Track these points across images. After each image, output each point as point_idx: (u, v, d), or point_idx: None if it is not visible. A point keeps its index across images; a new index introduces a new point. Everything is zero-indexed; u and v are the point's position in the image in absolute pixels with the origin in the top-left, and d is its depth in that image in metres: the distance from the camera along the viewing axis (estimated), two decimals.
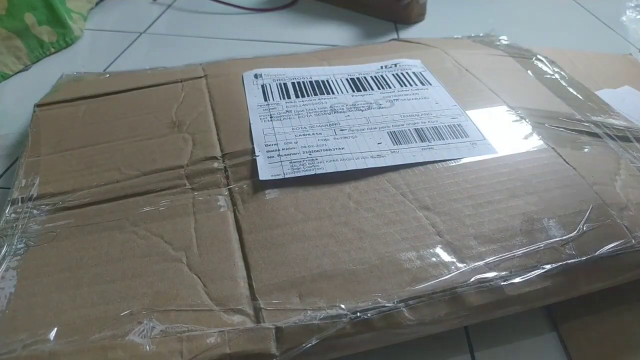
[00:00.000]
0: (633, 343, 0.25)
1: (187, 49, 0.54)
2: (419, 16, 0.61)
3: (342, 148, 0.33)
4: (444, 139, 0.34)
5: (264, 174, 0.31)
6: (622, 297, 0.27)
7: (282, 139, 0.33)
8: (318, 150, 0.32)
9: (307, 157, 0.32)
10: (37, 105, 0.38)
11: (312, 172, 0.31)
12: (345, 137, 0.34)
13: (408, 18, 0.60)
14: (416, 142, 0.33)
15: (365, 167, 0.31)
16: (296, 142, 0.33)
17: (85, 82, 0.42)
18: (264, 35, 0.58)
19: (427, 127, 0.35)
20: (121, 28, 0.59)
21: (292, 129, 0.34)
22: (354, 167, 0.31)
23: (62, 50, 0.54)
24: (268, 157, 0.32)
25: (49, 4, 0.52)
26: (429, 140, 0.34)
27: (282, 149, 0.32)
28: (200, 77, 0.41)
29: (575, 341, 0.26)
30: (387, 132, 0.34)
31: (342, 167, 0.31)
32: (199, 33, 0.58)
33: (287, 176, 0.30)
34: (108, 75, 0.43)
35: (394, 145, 0.33)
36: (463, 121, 0.36)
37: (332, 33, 0.58)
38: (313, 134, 0.34)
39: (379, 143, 0.33)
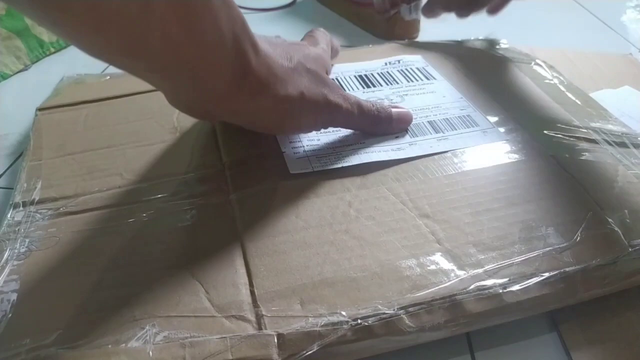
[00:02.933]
0: (633, 343, 0.26)
1: None
2: (408, 35, 0.56)
3: (363, 142, 0.34)
4: (456, 129, 0.36)
5: (293, 168, 0.32)
6: (623, 297, 0.27)
7: (305, 136, 0.35)
8: (341, 146, 0.34)
9: (332, 152, 0.33)
10: (39, 109, 0.38)
11: (339, 165, 0.32)
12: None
13: (390, 34, 0.56)
14: (431, 133, 0.35)
15: (388, 159, 0.33)
16: (319, 139, 0.34)
17: (86, 86, 0.42)
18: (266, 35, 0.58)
19: (439, 119, 0.37)
20: None
21: None
22: (377, 159, 0.32)
23: (62, 50, 0.54)
24: (294, 152, 0.33)
25: None
26: (442, 132, 0.35)
27: (307, 145, 0.33)
28: None
29: (575, 341, 0.26)
30: (404, 130, 0.35)
31: (366, 159, 0.33)
32: None
33: (315, 169, 0.32)
34: (109, 77, 0.43)
35: (410, 137, 0.35)
36: (471, 112, 0.37)
37: (332, 33, 0.58)
38: (333, 131, 0.35)
39: (396, 137, 0.35)
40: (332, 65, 0.41)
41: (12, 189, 0.32)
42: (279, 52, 0.29)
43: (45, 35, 0.52)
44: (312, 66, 0.31)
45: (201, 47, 0.24)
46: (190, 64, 0.25)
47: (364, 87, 0.40)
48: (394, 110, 0.35)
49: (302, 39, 0.38)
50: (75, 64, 0.52)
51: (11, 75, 0.49)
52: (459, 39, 0.51)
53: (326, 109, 0.31)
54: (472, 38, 0.52)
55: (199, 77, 0.26)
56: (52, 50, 0.53)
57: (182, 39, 0.23)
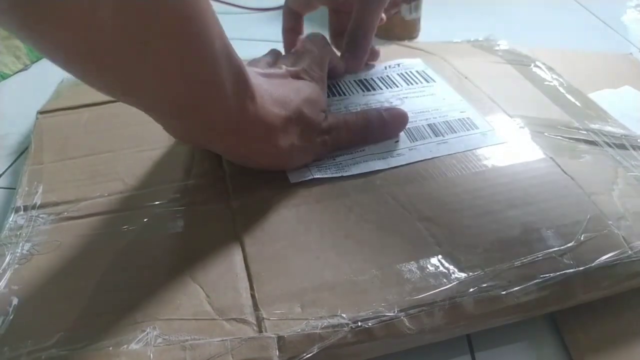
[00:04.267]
0: (633, 343, 0.26)
1: None
2: (408, 35, 0.55)
3: (363, 150, 0.34)
4: (456, 132, 0.35)
5: (293, 177, 0.31)
6: (623, 297, 0.27)
7: None
8: (341, 154, 0.33)
9: (332, 162, 0.33)
10: (40, 112, 0.38)
11: (339, 175, 0.32)
12: None
13: (390, 34, 0.55)
14: (431, 137, 0.35)
15: (387, 166, 0.32)
16: None
17: (87, 88, 0.41)
18: (264, 35, 0.58)
19: (439, 122, 0.36)
20: None
21: None
22: (378, 168, 0.32)
23: None
24: None
25: None
26: (442, 135, 0.35)
27: None
28: None
29: (575, 341, 0.26)
30: (403, 130, 0.35)
31: (365, 168, 0.32)
32: None
33: (315, 176, 0.31)
34: None
35: (410, 142, 0.34)
36: (471, 114, 0.37)
37: None
38: None
39: (396, 141, 0.35)
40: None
41: (13, 189, 0.32)
42: (276, 97, 0.29)
43: None
44: (308, 110, 0.30)
45: (199, 95, 0.25)
46: (187, 110, 0.25)
47: (363, 91, 0.40)
48: (385, 112, 0.34)
49: (301, 46, 0.37)
50: None
51: (11, 75, 0.49)
52: (459, 40, 0.51)
53: (312, 151, 0.32)
54: (472, 39, 0.52)
55: (195, 123, 0.26)
56: None
57: (181, 89, 0.24)
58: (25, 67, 0.51)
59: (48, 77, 0.46)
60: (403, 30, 0.55)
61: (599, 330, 0.26)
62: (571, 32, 0.61)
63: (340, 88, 0.41)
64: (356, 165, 0.32)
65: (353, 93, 0.40)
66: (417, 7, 0.55)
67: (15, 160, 0.38)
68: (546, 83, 0.43)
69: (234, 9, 0.64)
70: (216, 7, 0.64)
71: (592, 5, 0.68)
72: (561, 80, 0.43)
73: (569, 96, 0.41)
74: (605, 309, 0.27)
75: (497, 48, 0.49)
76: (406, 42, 0.49)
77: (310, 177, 0.32)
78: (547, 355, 0.26)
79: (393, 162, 0.33)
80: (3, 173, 0.37)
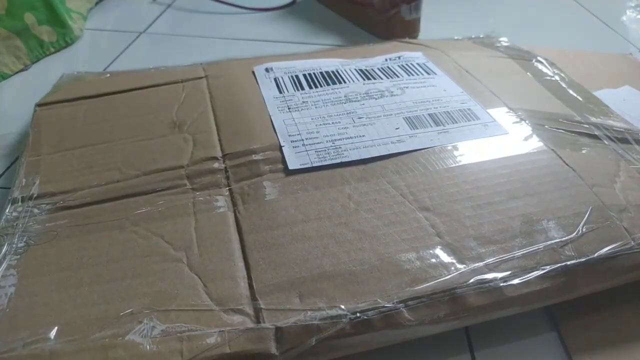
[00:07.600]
0: (633, 342, 0.26)
1: (187, 49, 0.54)
2: (408, 34, 0.55)
3: (363, 135, 0.34)
4: (457, 122, 0.35)
5: (292, 163, 0.31)
6: (623, 296, 0.27)
7: (304, 129, 0.34)
8: (340, 139, 0.33)
9: (331, 146, 0.33)
10: (38, 105, 0.38)
11: (339, 161, 0.32)
12: (364, 125, 0.35)
13: (390, 34, 0.55)
14: (431, 126, 0.35)
15: (387, 152, 0.32)
16: (318, 132, 0.34)
17: (85, 82, 0.42)
18: (264, 35, 0.58)
19: (439, 112, 0.36)
20: (121, 28, 0.59)
21: (312, 118, 0.36)
22: (377, 154, 0.32)
23: (62, 50, 0.54)
24: (293, 147, 0.33)
25: (49, 3, 0.52)
26: (443, 125, 0.35)
27: (306, 139, 0.33)
28: (201, 78, 0.41)
29: (575, 341, 0.26)
30: (403, 118, 0.35)
31: (365, 154, 0.32)
32: (199, 33, 0.58)
33: (314, 164, 0.31)
34: (109, 75, 0.43)
35: (411, 130, 0.34)
36: (472, 105, 0.37)
37: (332, 33, 0.59)
38: (332, 123, 0.35)
39: (396, 128, 0.35)
40: None
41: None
42: None
43: (45, 35, 0.52)
44: None
45: None
46: None
47: (364, 79, 0.40)
48: None
49: None
50: (75, 63, 0.52)
51: (11, 75, 0.49)
52: (460, 37, 0.51)
53: None
54: (472, 36, 0.52)
55: None
56: (52, 50, 0.53)
57: None
58: (25, 67, 0.51)
59: (48, 77, 0.46)
60: (403, 30, 0.56)
61: (598, 329, 0.26)
62: (571, 32, 0.61)
63: (340, 76, 0.41)
64: (355, 151, 0.32)
65: (353, 81, 0.40)
66: (417, 7, 0.55)
67: (15, 160, 0.38)
68: (547, 78, 0.43)
69: (234, 9, 0.64)
70: (216, 7, 0.64)
71: (592, 5, 0.68)
72: (562, 75, 0.43)
73: (570, 91, 0.41)
74: (605, 308, 0.27)
75: (498, 44, 0.49)
76: (407, 39, 0.49)
77: (309, 164, 0.31)
78: (547, 355, 0.26)
79: (393, 148, 0.33)
80: (3, 173, 0.37)
